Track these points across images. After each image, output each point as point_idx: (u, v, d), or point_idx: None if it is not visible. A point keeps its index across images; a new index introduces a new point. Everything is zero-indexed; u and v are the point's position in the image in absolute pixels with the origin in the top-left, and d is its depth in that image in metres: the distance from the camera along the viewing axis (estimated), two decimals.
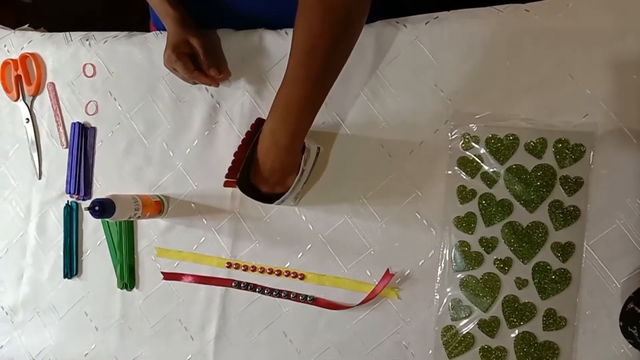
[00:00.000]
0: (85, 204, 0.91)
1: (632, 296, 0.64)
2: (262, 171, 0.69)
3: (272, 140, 0.65)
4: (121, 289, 0.89)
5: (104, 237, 0.91)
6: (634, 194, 0.67)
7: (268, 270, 0.81)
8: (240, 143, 0.71)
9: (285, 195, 0.70)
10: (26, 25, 1.03)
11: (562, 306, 0.69)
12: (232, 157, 0.71)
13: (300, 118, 0.63)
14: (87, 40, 0.94)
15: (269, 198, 0.71)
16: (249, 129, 0.71)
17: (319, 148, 0.76)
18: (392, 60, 0.77)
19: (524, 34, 0.71)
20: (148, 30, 0.93)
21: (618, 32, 0.67)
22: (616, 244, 0.67)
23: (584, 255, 0.68)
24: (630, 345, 0.66)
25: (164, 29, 0.89)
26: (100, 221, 0.91)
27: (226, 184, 0.72)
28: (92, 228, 0.92)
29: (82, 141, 0.92)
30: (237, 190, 0.81)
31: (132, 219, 0.81)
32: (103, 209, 0.74)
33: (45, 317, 0.94)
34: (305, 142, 0.71)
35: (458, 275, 0.72)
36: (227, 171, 0.71)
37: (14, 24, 1.03)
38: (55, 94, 0.95)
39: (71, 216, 0.92)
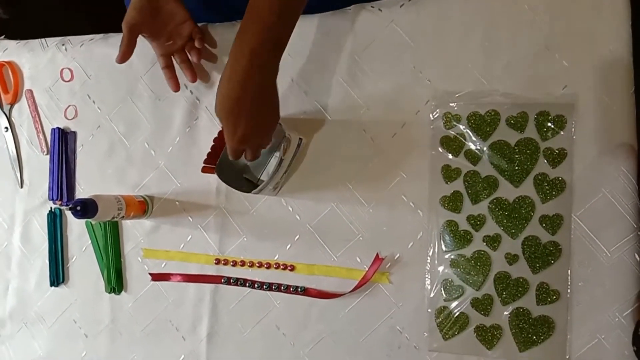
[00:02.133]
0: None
1: None
2: (227, 109, 0.63)
3: (238, 55, 0.62)
4: (109, 293, 0.87)
5: (90, 241, 0.89)
6: (617, 161, 0.66)
7: (257, 264, 0.80)
8: (220, 129, 0.70)
9: (262, 185, 0.70)
10: (2, 37, 1.02)
11: (554, 279, 0.68)
12: (212, 144, 0.70)
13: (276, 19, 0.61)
14: (63, 45, 0.93)
15: (247, 187, 0.70)
16: None
17: (300, 139, 0.75)
18: (370, 45, 0.77)
19: (499, 10, 0.71)
20: None
21: (593, 4, 0.68)
22: (604, 213, 0.67)
23: (572, 227, 0.68)
24: (625, 314, 0.65)
25: None
26: (85, 226, 0.90)
27: (204, 170, 0.71)
28: (77, 233, 0.90)
29: (63, 146, 0.91)
30: (221, 185, 0.81)
31: (115, 219, 0.80)
32: (85, 209, 0.73)
33: (34, 327, 0.92)
34: (286, 132, 0.70)
35: (448, 255, 0.72)
36: (205, 157, 0.70)
37: None
38: (34, 101, 0.94)
39: (55, 223, 0.91)
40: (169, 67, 0.81)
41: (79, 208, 0.72)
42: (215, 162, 0.70)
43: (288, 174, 0.77)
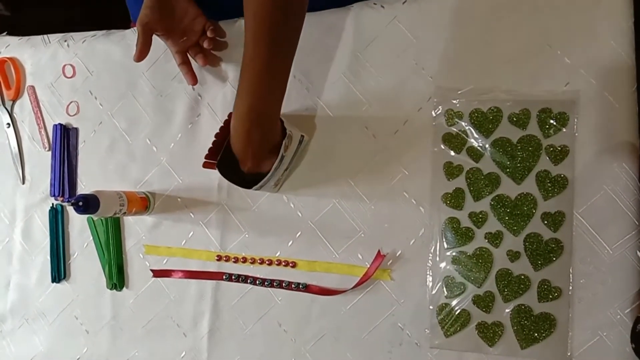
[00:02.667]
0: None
1: None
2: (235, 150, 0.68)
3: (237, 116, 0.65)
4: (111, 289, 0.87)
5: (91, 238, 0.89)
6: (619, 159, 0.66)
7: (259, 261, 0.80)
8: (222, 124, 0.70)
9: (263, 181, 0.69)
10: (4, 33, 1.02)
11: (556, 276, 0.68)
12: (214, 139, 0.70)
13: (261, 94, 0.64)
14: (65, 41, 0.93)
15: (247, 182, 0.70)
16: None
17: (302, 136, 0.75)
18: (372, 42, 0.77)
19: (501, 7, 0.71)
20: (128, 27, 0.93)
21: (595, 1, 0.68)
22: (605, 210, 0.67)
23: (574, 224, 0.68)
24: (627, 311, 0.65)
25: None
26: (86, 222, 0.90)
27: (205, 165, 0.71)
28: (78, 230, 0.90)
29: (65, 142, 0.91)
30: (223, 181, 0.80)
31: (117, 215, 0.80)
32: (87, 204, 0.73)
33: (35, 323, 0.92)
34: (287, 129, 0.70)
35: (450, 252, 0.72)
36: (207, 152, 0.70)
37: None
38: (36, 97, 0.94)
39: (57, 219, 0.91)
40: (185, 64, 0.82)
41: (80, 204, 0.72)
42: (217, 157, 0.70)
43: (289, 170, 0.77)
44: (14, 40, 0.97)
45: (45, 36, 0.95)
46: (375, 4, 0.77)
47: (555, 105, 0.69)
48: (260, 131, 0.66)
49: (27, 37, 0.97)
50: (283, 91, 0.66)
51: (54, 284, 0.91)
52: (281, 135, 0.69)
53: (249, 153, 0.68)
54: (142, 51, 0.77)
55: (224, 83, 0.83)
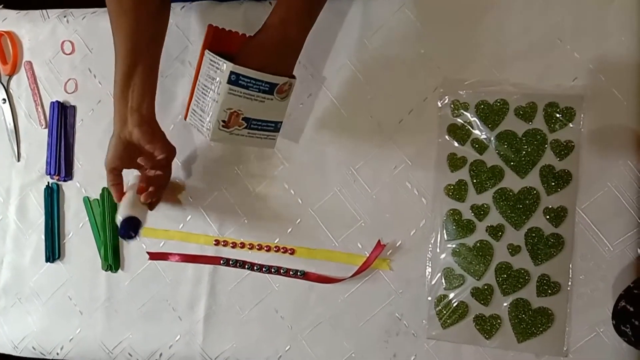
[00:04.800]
0: (67, 184, 0.89)
1: (623, 294, 0.63)
2: (266, 55, 0.65)
3: (282, 28, 0.65)
4: (106, 270, 0.86)
5: (87, 218, 0.88)
6: (624, 156, 0.66)
7: (257, 247, 0.79)
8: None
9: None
10: (1, 6, 1.00)
11: (556, 271, 0.68)
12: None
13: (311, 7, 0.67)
14: (64, 17, 0.91)
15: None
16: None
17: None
18: (379, 29, 0.75)
19: None
20: None
21: None
22: (608, 207, 0.67)
23: (576, 220, 0.68)
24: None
25: None
26: (82, 202, 0.88)
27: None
28: (74, 210, 0.89)
29: (62, 120, 0.89)
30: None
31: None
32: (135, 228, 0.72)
33: (28, 303, 0.91)
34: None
35: (450, 244, 0.71)
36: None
37: None
38: (33, 73, 0.92)
39: (52, 198, 0.89)
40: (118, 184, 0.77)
41: (132, 234, 0.71)
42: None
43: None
44: (11, 13, 0.95)
45: (44, 11, 0.93)
46: None
47: (563, 100, 0.68)
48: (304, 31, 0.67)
49: (25, 11, 0.94)
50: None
51: (48, 263, 0.90)
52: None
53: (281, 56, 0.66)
54: (120, 191, 0.75)
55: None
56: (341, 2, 0.77)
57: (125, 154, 0.74)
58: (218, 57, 0.64)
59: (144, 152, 0.74)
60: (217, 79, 0.64)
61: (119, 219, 0.72)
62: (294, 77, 0.69)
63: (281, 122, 0.71)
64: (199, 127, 0.68)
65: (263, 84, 0.65)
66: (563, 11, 0.69)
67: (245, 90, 0.64)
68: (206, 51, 0.67)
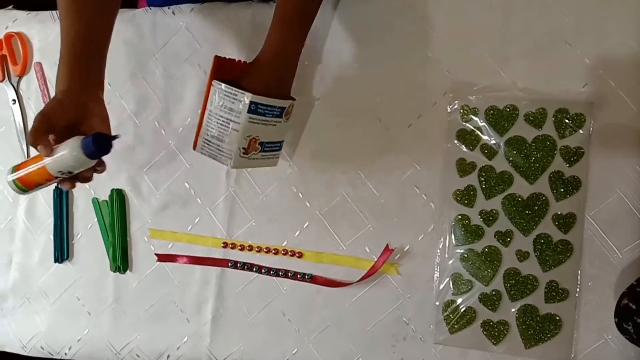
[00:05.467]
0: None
1: (626, 292, 0.63)
2: (268, 79, 0.68)
3: (278, 54, 0.68)
4: (114, 272, 0.87)
5: (95, 219, 0.88)
6: (634, 163, 0.66)
7: (265, 249, 0.80)
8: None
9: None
10: (10, 7, 1.00)
11: (564, 278, 0.68)
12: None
13: (298, 34, 0.70)
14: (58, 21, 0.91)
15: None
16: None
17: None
18: (387, 32, 0.75)
19: (522, 2, 0.70)
20: (136, 7, 0.91)
21: (618, 1, 0.67)
22: (617, 214, 0.66)
23: (585, 226, 0.68)
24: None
25: (155, 5, 0.87)
26: (91, 203, 0.89)
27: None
28: (82, 210, 0.90)
29: None
30: (232, 169, 0.80)
31: None
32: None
33: (36, 302, 0.91)
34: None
35: (458, 249, 0.71)
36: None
37: None
38: (43, 74, 0.92)
39: (61, 198, 0.90)
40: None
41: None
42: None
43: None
44: (21, 14, 0.95)
45: (53, 12, 0.93)
46: None
47: (573, 106, 0.68)
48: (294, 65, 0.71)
49: (35, 12, 0.95)
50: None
51: (57, 264, 0.90)
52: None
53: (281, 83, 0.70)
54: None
55: None
56: (350, 2, 0.77)
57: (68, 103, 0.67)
58: (235, 88, 0.66)
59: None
60: (237, 109, 0.66)
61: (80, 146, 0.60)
62: (294, 98, 0.73)
63: (283, 141, 0.75)
64: (216, 156, 0.69)
65: (276, 109, 0.69)
66: (573, 16, 0.68)
67: (263, 117, 0.68)
68: (216, 82, 0.68)
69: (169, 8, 0.86)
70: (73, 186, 0.65)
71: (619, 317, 0.62)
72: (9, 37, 0.93)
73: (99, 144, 0.61)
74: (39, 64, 0.93)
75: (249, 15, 0.82)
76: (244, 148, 0.68)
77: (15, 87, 0.94)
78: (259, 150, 0.70)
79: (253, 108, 0.66)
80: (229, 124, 0.67)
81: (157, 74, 0.86)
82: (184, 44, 0.84)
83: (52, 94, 0.91)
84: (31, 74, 0.93)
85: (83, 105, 0.67)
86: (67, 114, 0.65)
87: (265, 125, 0.69)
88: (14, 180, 0.64)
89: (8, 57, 0.93)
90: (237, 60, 0.72)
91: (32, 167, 0.63)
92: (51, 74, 0.92)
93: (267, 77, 0.68)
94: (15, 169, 0.65)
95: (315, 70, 0.78)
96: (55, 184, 0.65)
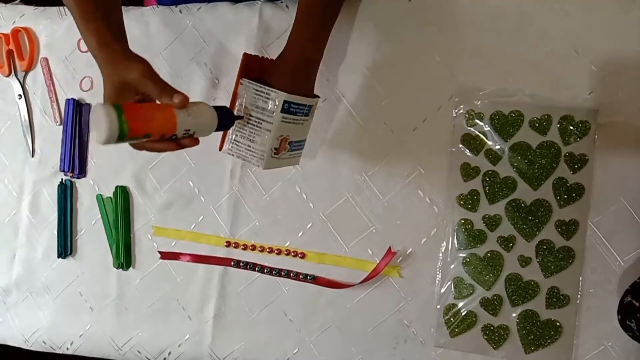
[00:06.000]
0: (80, 181, 0.90)
1: (630, 289, 0.63)
2: (297, 77, 0.66)
3: (304, 52, 0.66)
4: (117, 268, 0.87)
5: (99, 215, 0.89)
6: (638, 171, 0.66)
7: (268, 249, 0.80)
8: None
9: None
10: (17, 1, 1.00)
11: (565, 284, 0.68)
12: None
13: (324, 30, 0.68)
14: (65, 7, 0.91)
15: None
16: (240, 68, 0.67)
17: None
18: (395, 35, 0.75)
19: (531, 8, 0.70)
20: (143, 4, 0.91)
21: (623, 7, 0.67)
22: (620, 222, 0.67)
23: (587, 233, 0.68)
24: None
25: (164, 3, 0.87)
26: (95, 200, 0.89)
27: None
28: (87, 207, 0.90)
29: (77, 118, 0.90)
30: (236, 168, 0.80)
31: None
32: None
33: (39, 297, 0.92)
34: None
35: (461, 254, 0.72)
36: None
37: None
38: (49, 70, 0.93)
39: (65, 195, 0.90)
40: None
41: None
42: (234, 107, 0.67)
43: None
44: (28, 10, 0.96)
45: (61, 8, 0.93)
46: None
47: (578, 113, 0.68)
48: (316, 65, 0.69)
49: (42, 8, 0.95)
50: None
51: (60, 259, 0.91)
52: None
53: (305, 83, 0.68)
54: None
55: None
56: (357, 5, 0.77)
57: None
58: (267, 87, 0.64)
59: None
60: (269, 108, 0.64)
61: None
62: (318, 96, 0.71)
63: (306, 139, 0.73)
64: (246, 157, 0.67)
65: (306, 108, 0.68)
66: (581, 23, 0.68)
67: (294, 116, 0.66)
68: (246, 81, 0.66)
69: (176, 6, 0.86)
70: (177, 148, 0.61)
71: (622, 314, 0.63)
72: (16, 32, 0.93)
73: (231, 118, 0.63)
74: (46, 59, 0.93)
75: (255, 14, 0.82)
76: (275, 148, 0.66)
77: (22, 82, 0.94)
78: (287, 149, 0.69)
79: (286, 107, 0.64)
80: (260, 123, 0.65)
81: (163, 72, 0.84)
82: (190, 43, 0.84)
83: (58, 90, 0.92)
84: (37, 70, 0.94)
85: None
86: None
87: (295, 125, 0.67)
88: (124, 120, 0.52)
89: (15, 52, 0.93)
90: (261, 56, 0.70)
91: (156, 109, 0.57)
92: (57, 69, 0.92)
93: (296, 75, 0.66)
94: (125, 107, 0.53)
95: (321, 72, 0.78)
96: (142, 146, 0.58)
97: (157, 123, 0.55)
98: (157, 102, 0.59)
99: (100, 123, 0.52)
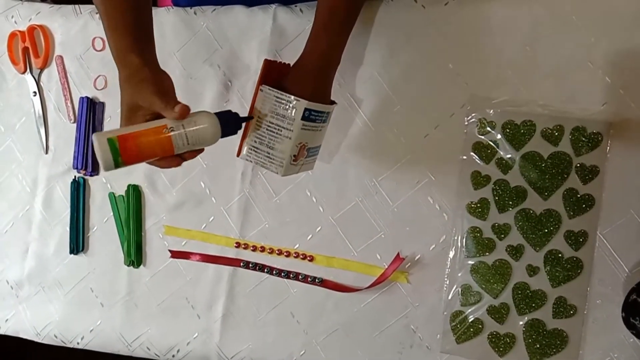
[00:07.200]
0: (93, 179, 0.91)
1: (635, 287, 0.64)
2: (316, 84, 0.66)
3: (324, 58, 0.66)
4: (128, 265, 0.88)
5: (111, 213, 0.90)
6: None
7: (277, 251, 0.81)
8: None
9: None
10: None
11: (573, 294, 0.68)
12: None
13: (344, 35, 0.68)
14: (96, 13, 0.92)
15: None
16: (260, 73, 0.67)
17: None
18: (409, 41, 0.76)
19: (545, 18, 0.70)
20: (157, 5, 0.92)
21: (638, 18, 0.66)
22: (629, 234, 0.67)
23: (596, 244, 0.68)
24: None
25: (180, 5, 0.88)
26: (107, 197, 0.90)
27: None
28: (99, 204, 0.91)
29: (90, 116, 0.91)
30: (247, 170, 0.81)
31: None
32: None
33: (51, 292, 0.93)
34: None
35: (469, 261, 0.72)
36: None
37: None
38: (64, 68, 0.93)
39: (78, 192, 0.91)
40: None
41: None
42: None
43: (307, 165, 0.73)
44: (44, 7, 0.96)
45: (76, 6, 0.94)
46: (416, 2, 0.75)
47: (590, 125, 0.68)
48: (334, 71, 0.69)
49: (58, 6, 0.96)
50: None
51: (72, 255, 0.92)
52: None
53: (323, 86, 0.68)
54: None
55: (255, 71, 0.82)
56: (372, 11, 0.77)
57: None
58: (287, 95, 0.64)
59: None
60: (290, 115, 0.64)
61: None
62: (335, 102, 0.71)
63: (321, 145, 0.73)
64: (265, 164, 0.67)
65: (324, 115, 0.68)
66: (595, 35, 0.68)
67: (313, 123, 0.66)
68: (266, 87, 0.66)
69: (191, 8, 0.86)
70: (180, 163, 0.62)
71: (626, 312, 0.64)
72: (31, 29, 0.94)
73: (237, 122, 0.63)
74: (60, 57, 0.94)
75: (269, 17, 0.82)
76: (294, 155, 0.66)
77: (37, 79, 0.95)
78: (305, 156, 0.69)
79: (306, 115, 0.64)
80: (280, 130, 0.65)
81: (177, 73, 0.86)
82: (204, 45, 0.85)
83: (72, 88, 0.93)
84: (52, 67, 0.95)
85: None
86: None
87: (314, 131, 0.67)
88: (119, 153, 0.55)
89: (30, 49, 0.94)
90: (279, 61, 0.71)
91: (149, 135, 0.57)
92: (72, 67, 0.93)
93: (316, 82, 0.66)
94: (119, 138, 0.56)
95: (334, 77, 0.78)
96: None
97: (152, 151, 0.58)
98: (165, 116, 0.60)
99: (97, 153, 0.56)
